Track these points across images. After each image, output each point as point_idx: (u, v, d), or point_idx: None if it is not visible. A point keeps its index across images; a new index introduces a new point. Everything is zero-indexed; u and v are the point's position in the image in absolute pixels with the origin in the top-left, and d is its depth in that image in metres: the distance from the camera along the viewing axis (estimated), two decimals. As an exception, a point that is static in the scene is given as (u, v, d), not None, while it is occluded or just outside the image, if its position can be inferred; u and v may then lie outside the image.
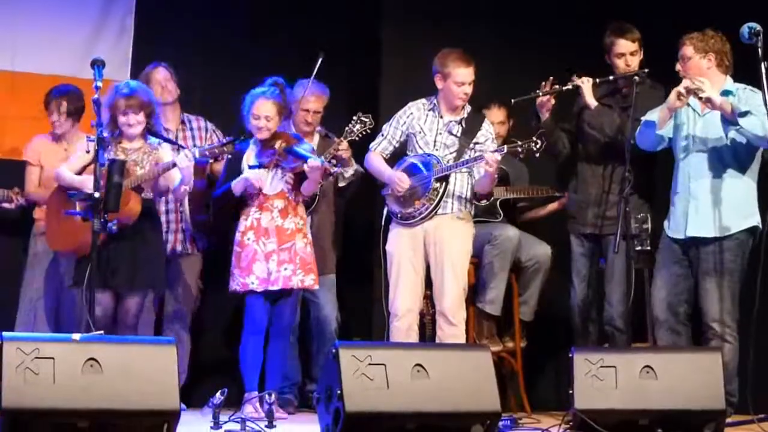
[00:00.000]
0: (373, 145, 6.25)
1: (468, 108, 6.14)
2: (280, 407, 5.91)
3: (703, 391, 4.85)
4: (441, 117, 6.11)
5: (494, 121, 6.69)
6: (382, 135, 6.21)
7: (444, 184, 6.01)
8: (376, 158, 6.19)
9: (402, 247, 6.04)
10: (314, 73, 6.38)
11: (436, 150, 6.07)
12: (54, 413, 4.06)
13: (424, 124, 6.12)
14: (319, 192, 6.51)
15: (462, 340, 5.97)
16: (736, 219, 5.86)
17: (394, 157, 6.25)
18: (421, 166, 6.07)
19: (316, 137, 6.72)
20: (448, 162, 6.02)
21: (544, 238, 6.72)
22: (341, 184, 6.73)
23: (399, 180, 6.04)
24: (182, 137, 6.59)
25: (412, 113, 6.16)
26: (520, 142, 6.01)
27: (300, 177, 6.06)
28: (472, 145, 6.05)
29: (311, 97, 6.60)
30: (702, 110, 5.92)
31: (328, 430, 4.49)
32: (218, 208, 6.22)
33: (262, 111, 6.03)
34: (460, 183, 6.06)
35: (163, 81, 6.54)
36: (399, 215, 6.07)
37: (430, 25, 7.27)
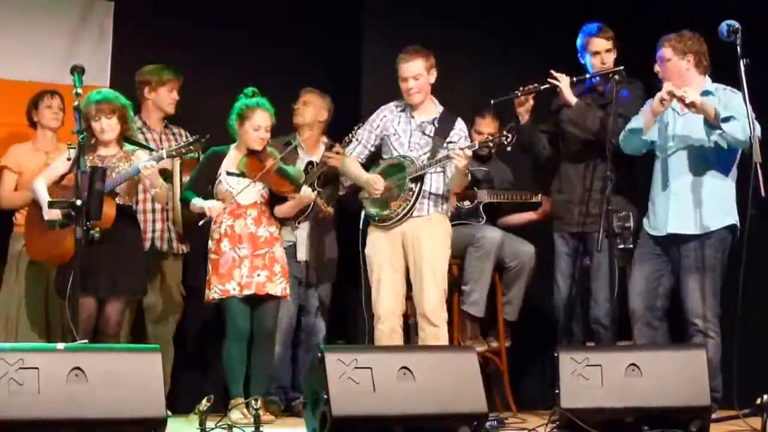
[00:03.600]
0: (348, 150, 6.26)
1: (440, 108, 6.14)
2: (266, 411, 5.91)
3: (688, 388, 4.87)
4: (413, 117, 6.11)
5: (485, 131, 6.68)
6: (357, 140, 6.21)
7: (419, 184, 6.01)
8: (352, 163, 6.18)
9: (381, 250, 6.04)
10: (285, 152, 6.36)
11: (411, 151, 6.07)
12: (39, 423, 4.05)
13: (397, 126, 6.13)
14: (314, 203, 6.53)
15: (444, 340, 5.97)
16: (717, 217, 5.88)
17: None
18: (395, 167, 6.07)
19: (321, 147, 6.73)
20: (422, 162, 6.03)
21: (528, 237, 6.72)
22: (341, 192, 6.73)
23: (374, 182, 6.04)
24: (165, 140, 6.60)
25: (385, 116, 6.16)
26: (491, 137, 6.02)
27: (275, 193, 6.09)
28: (445, 145, 6.04)
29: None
30: (682, 110, 5.94)
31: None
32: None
33: (263, 122, 6.04)
34: (436, 183, 6.05)
35: (176, 93, 6.57)
36: (376, 218, 6.07)
37: (411, 16, 7.27)
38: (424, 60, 6.03)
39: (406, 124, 6.12)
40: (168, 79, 6.57)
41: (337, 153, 6.44)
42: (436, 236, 6.03)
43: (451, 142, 6.06)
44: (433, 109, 6.14)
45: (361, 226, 6.22)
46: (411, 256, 6.00)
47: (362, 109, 6.43)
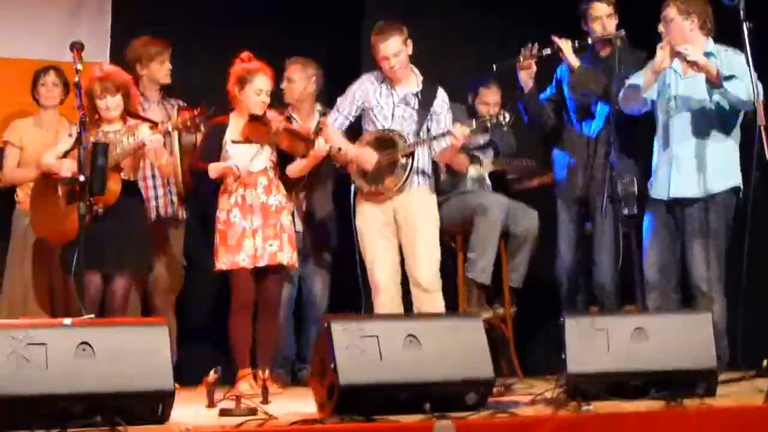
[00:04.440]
0: (329, 120, 6.20)
1: (420, 77, 6.13)
2: (273, 382, 5.92)
3: (694, 351, 4.87)
4: (394, 90, 6.09)
5: (489, 102, 6.69)
6: (338, 111, 6.16)
7: (411, 159, 6.01)
8: (336, 135, 6.12)
9: (372, 221, 6.05)
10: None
11: (395, 123, 6.07)
12: (48, 399, 4.04)
13: (380, 98, 6.10)
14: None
15: (441, 307, 6.00)
16: (719, 179, 5.88)
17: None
18: (384, 141, 6.05)
19: (316, 115, 6.71)
20: (408, 135, 6.02)
21: (532, 204, 6.72)
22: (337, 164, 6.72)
23: (366, 156, 6.02)
24: (163, 109, 6.58)
25: (366, 87, 6.13)
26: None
27: (282, 156, 6.06)
28: (429, 116, 6.06)
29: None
30: (684, 73, 5.92)
31: (323, 404, 4.50)
32: (198, 178, 6.23)
33: (264, 86, 6.00)
34: (423, 157, 6.06)
35: (169, 63, 6.53)
36: (365, 191, 6.07)
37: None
38: (400, 34, 5.99)
39: (388, 96, 6.10)
40: (156, 51, 6.52)
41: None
42: (427, 206, 6.08)
43: (434, 113, 6.07)
44: (414, 79, 6.13)
45: (352, 199, 6.20)
46: (403, 227, 6.02)
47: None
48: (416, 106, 6.08)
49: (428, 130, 6.06)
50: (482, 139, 6.65)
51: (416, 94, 6.09)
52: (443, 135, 5.96)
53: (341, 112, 6.15)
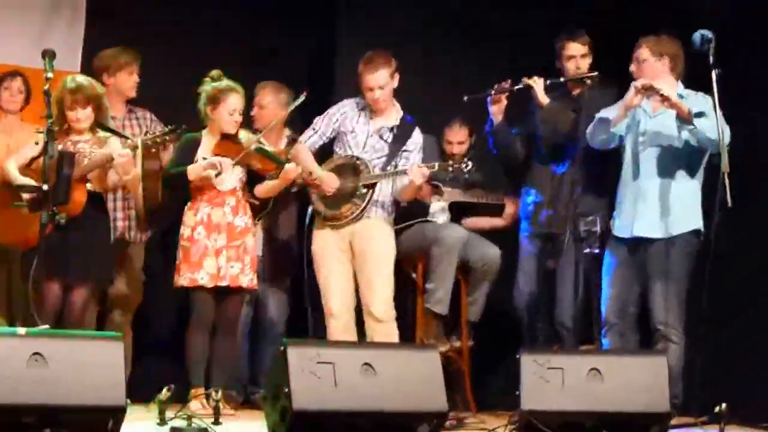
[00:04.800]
0: (302, 138, 6.21)
1: (400, 114, 6.16)
2: (226, 403, 5.88)
3: (648, 394, 4.88)
4: (371, 119, 6.11)
5: (454, 141, 6.71)
6: (314, 130, 6.17)
7: (371, 190, 6.04)
8: (306, 153, 6.14)
9: (329, 246, 6.06)
10: (291, 107, 6.31)
11: (365, 152, 6.09)
12: (-3, 408, 4.01)
13: (356, 125, 6.12)
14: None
15: (394, 335, 6.00)
16: (682, 221, 5.92)
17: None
18: (349, 168, 6.08)
19: (284, 141, 6.69)
20: (375, 166, 6.05)
21: (493, 239, 6.72)
22: (293, 189, 6.70)
23: (329, 180, 6.03)
24: (128, 125, 6.53)
25: (345, 112, 6.15)
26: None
27: (252, 176, 6.03)
28: (400, 153, 6.08)
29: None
30: (654, 111, 5.97)
31: (275, 428, 4.47)
32: (170, 188, 6.11)
33: (238, 105, 5.98)
34: (385, 189, 6.09)
35: (137, 76, 6.49)
36: (323, 215, 6.08)
37: (388, 15, 7.26)
38: (388, 67, 6.02)
39: (365, 125, 6.12)
40: (125, 62, 6.47)
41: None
42: (384, 237, 6.08)
43: (406, 151, 6.10)
44: (394, 114, 6.16)
45: (307, 221, 6.21)
46: (358, 256, 6.03)
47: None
48: (389, 140, 6.10)
49: (395, 166, 6.07)
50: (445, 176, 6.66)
51: (392, 129, 6.12)
52: (405, 172, 5.98)
53: (316, 130, 6.16)
